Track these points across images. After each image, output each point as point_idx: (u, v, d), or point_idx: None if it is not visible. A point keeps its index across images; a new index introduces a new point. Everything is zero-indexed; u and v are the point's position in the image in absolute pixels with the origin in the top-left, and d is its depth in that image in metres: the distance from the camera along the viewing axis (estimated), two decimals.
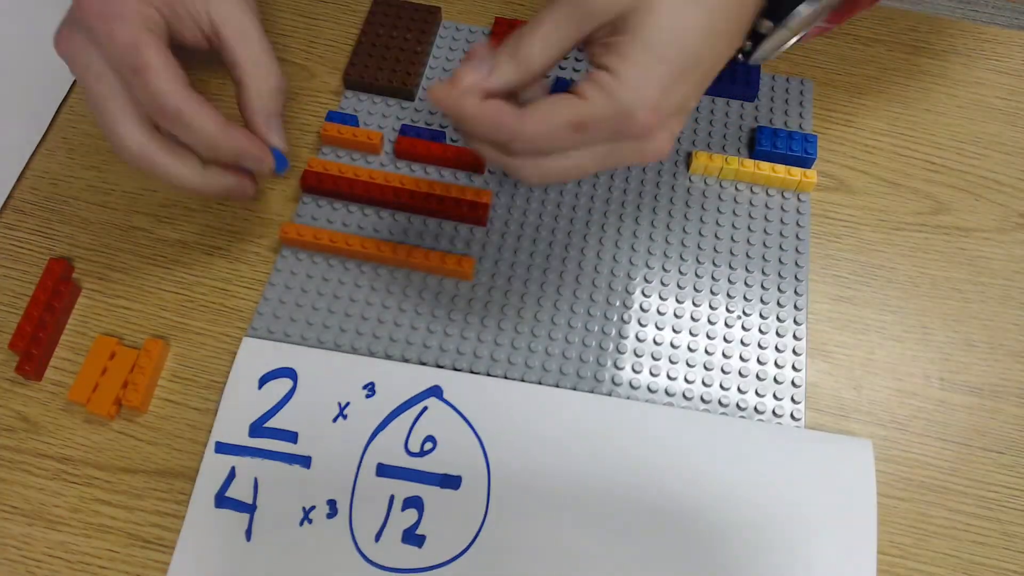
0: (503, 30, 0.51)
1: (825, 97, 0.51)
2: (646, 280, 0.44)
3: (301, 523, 0.38)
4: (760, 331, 0.43)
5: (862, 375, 0.43)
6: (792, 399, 0.41)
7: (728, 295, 0.44)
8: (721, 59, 0.35)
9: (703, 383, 0.42)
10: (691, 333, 0.43)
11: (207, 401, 0.41)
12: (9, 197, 0.47)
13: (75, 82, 0.50)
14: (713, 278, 0.44)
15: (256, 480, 0.39)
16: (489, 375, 0.42)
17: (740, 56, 0.40)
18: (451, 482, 0.39)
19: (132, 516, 0.39)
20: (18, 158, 0.47)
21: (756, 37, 0.39)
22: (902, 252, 0.46)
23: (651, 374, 0.42)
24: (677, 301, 0.44)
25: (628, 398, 0.41)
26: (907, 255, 0.46)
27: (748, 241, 0.46)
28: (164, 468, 0.40)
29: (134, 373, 0.41)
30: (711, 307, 0.44)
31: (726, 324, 0.43)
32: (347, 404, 0.41)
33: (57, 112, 0.49)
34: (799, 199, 0.47)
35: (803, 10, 0.37)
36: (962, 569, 0.38)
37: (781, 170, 0.47)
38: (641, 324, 0.43)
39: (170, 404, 0.41)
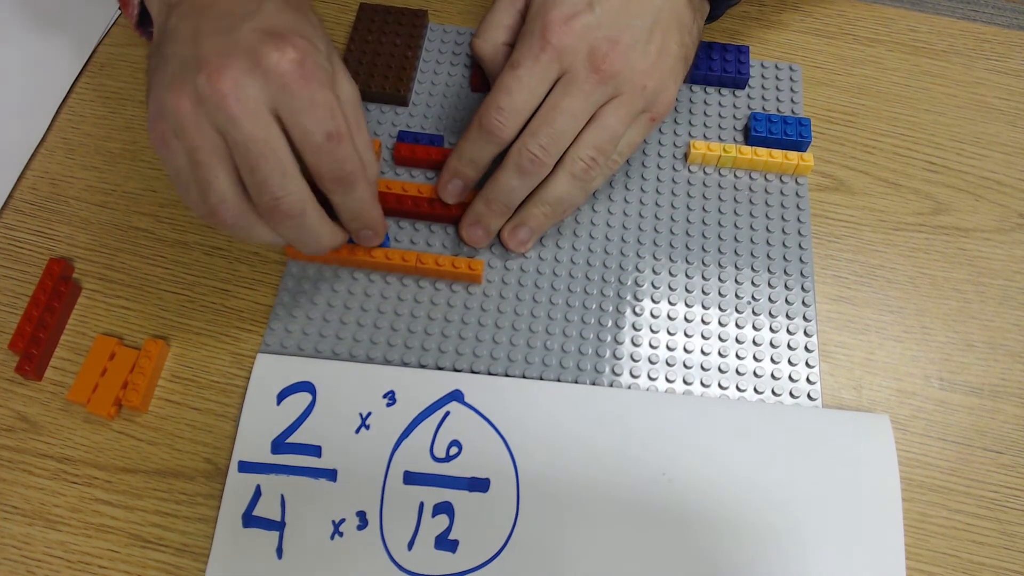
0: None
1: (824, 96, 0.51)
2: (654, 272, 0.45)
3: (332, 537, 0.38)
4: (770, 314, 0.43)
5: (862, 375, 0.43)
6: (808, 379, 0.42)
7: (736, 281, 0.44)
8: None
9: (719, 369, 0.42)
10: (703, 321, 0.43)
11: (207, 401, 0.41)
12: (9, 197, 0.47)
13: (75, 82, 0.50)
14: (720, 265, 0.45)
15: (283, 497, 0.39)
16: (508, 376, 0.42)
17: None
18: (479, 485, 0.39)
19: (132, 516, 0.39)
20: (18, 158, 0.47)
21: None
22: (902, 252, 0.46)
23: (667, 364, 0.42)
24: (687, 291, 0.44)
25: (647, 389, 0.41)
26: (907, 255, 0.46)
27: (751, 227, 0.46)
28: (164, 468, 0.40)
29: (134, 373, 0.41)
30: (720, 294, 0.44)
31: (736, 310, 0.44)
32: (369, 414, 0.40)
33: (57, 112, 0.49)
34: (797, 182, 0.48)
35: None
36: (962, 569, 0.38)
37: (778, 155, 0.47)
38: (653, 316, 0.43)
39: (170, 404, 0.41)
